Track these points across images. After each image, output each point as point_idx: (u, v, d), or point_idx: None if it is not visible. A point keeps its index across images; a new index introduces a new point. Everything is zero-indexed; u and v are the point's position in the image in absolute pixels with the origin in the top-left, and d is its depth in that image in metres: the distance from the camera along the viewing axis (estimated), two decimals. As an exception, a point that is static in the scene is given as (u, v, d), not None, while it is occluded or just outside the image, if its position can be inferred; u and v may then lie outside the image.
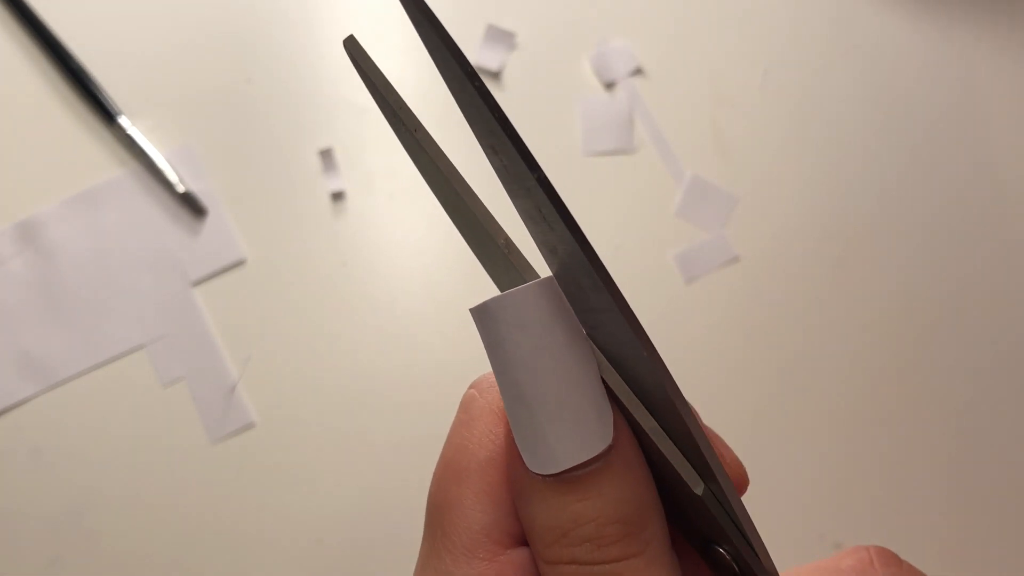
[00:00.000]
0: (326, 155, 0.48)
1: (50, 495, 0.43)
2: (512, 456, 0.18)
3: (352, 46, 0.18)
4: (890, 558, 0.23)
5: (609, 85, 0.50)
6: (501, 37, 0.50)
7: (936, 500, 0.43)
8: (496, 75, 0.50)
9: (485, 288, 0.48)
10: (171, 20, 0.51)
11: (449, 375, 0.44)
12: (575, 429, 0.17)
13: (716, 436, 0.20)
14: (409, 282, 0.46)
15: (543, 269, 0.18)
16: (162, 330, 0.45)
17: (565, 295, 0.17)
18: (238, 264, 0.46)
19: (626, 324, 0.16)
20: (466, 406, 0.20)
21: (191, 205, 0.47)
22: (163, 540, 0.42)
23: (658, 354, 0.16)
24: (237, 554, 0.42)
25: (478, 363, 0.45)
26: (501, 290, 0.17)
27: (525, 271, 0.18)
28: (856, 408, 0.44)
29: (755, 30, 0.51)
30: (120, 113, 0.48)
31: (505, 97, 0.50)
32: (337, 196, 0.47)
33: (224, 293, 0.46)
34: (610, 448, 0.17)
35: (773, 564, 0.18)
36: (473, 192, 0.18)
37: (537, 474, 0.17)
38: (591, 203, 0.48)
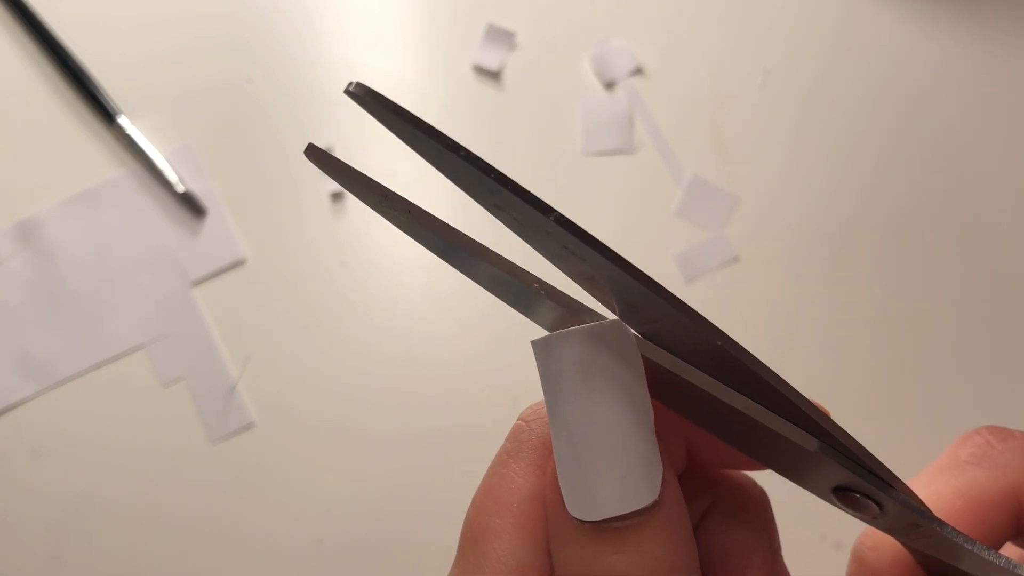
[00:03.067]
0: (326, 155, 0.48)
1: (50, 495, 0.43)
2: (553, 496, 0.17)
3: (314, 153, 0.18)
4: (1003, 432, 0.22)
5: (609, 85, 0.50)
6: (501, 37, 0.50)
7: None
8: (496, 75, 0.50)
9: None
10: (171, 20, 0.51)
11: (449, 375, 0.44)
12: (622, 479, 0.16)
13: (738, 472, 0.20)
14: (409, 282, 0.46)
15: (584, 299, 0.18)
16: (162, 330, 0.45)
17: (624, 308, 0.17)
18: (238, 264, 0.46)
19: (687, 319, 0.16)
20: (514, 436, 0.19)
21: (191, 205, 0.47)
22: (163, 540, 0.42)
23: (729, 336, 0.16)
24: (237, 554, 0.42)
25: (478, 363, 0.45)
26: (550, 332, 0.17)
27: (575, 309, 0.18)
28: (856, 408, 0.44)
29: (755, 30, 0.51)
30: (119, 113, 0.48)
31: (505, 97, 0.50)
32: (337, 196, 0.47)
33: (224, 293, 0.46)
34: (655, 504, 0.16)
35: (907, 486, 0.18)
36: (486, 248, 0.18)
37: (576, 519, 0.16)
38: (591, 203, 0.48)
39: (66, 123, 0.49)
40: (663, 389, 0.18)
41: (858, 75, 0.50)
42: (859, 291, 0.46)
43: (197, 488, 0.43)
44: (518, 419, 0.19)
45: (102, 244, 0.46)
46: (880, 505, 0.18)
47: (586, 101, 0.49)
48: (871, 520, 0.19)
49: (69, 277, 0.46)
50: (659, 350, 0.17)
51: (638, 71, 0.50)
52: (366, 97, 0.15)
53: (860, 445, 0.17)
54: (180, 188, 0.47)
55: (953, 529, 0.18)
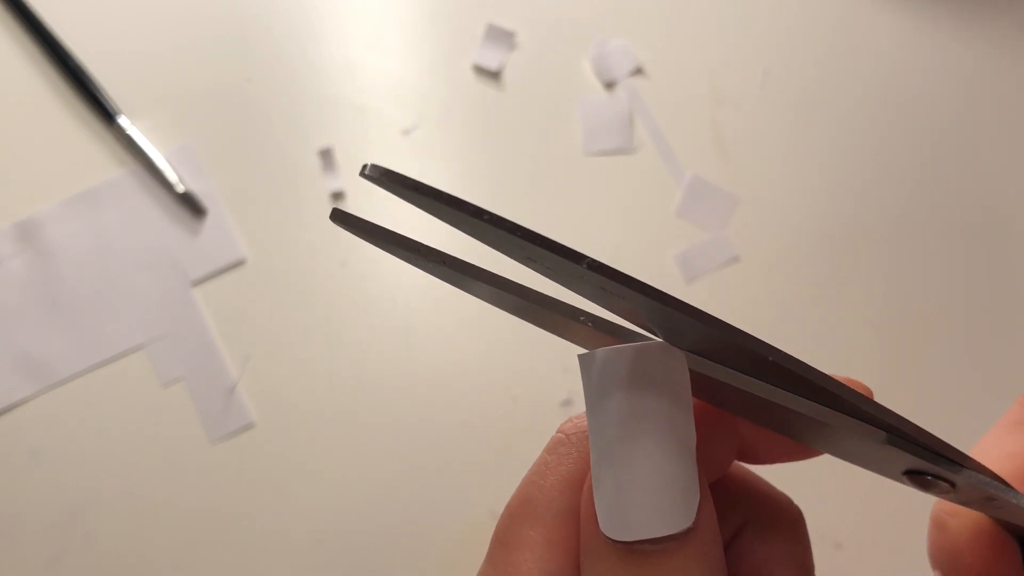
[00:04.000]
0: (326, 155, 0.48)
1: (49, 496, 0.43)
2: (587, 511, 0.17)
3: (341, 217, 0.18)
4: None
5: (609, 85, 0.50)
6: (501, 37, 0.50)
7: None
8: (496, 75, 0.50)
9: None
10: (171, 20, 0.51)
11: (449, 375, 0.44)
12: (658, 502, 0.16)
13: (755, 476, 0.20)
14: (409, 282, 0.46)
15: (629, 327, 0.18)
16: (162, 330, 0.45)
17: (672, 335, 0.17)
18: (238, 264, 0.46)
19: (738, 340, 0.16)
20: (553, 448, 0.19)
21: (191, 205, 0.47)
22: (163, 540, 0.42)
23: (782, 351, 0.16)
24: (237, 554, 0.42)
25: (478, 363, 0.45)
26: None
27: (623, 336, 0.18)
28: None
29: (755, 30, 0.51)
30: (120, 113, 0.48)
31: (505, 97, 0.50)
32: (337, 196, 0.47)
33: (224, 293, 0.46)
34: (690, 530, 0.16)
35: (978, 463, 0.18)
36: (528, 289, 0.18)
37: (609, 537, 0.16)
38: (591, 203, 0.48)
39: (66, 123, 0.49)
40: (721, 398, 0.18)
41: (858, 75, 0.50)
42: (859, 291, 0.46)
43: (197, 488, 0.43)
44: (558, 430, 0.19)
45: (102, 244, 0.46)
46: (952, 484, 0.18)
47: (586, 101, 0.49)
48: (944, 496, 0.19)
49: (69, 277, 0.46)
50: (714, 365, 0.17)
51: (638, 71, 0.50)
52: (382, 178, 0.15)
53: (925, 431, 0.18)
54: (180, 188, 0.47)
55: None
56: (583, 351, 0.17)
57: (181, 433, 0.43)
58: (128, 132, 0.47)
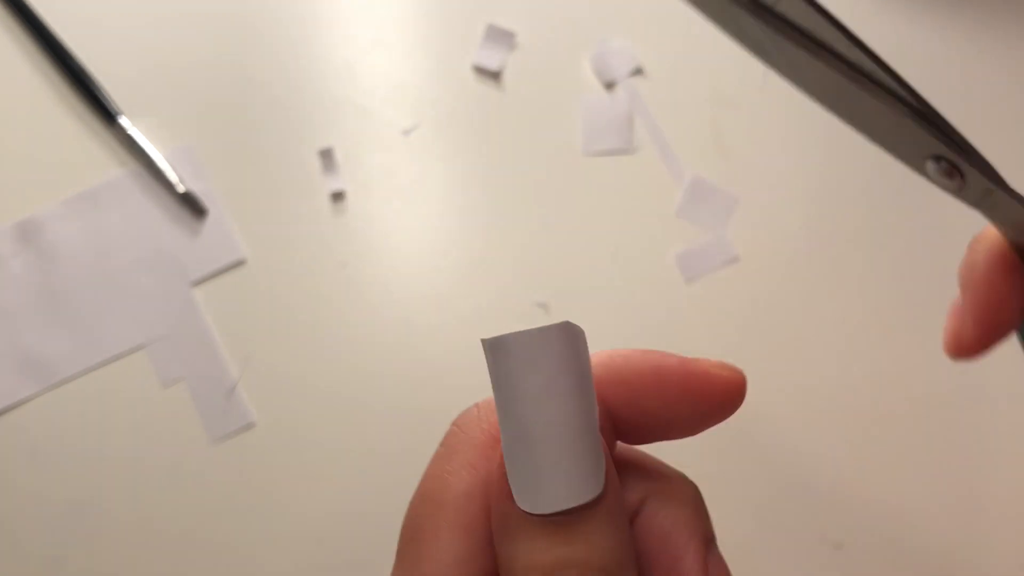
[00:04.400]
0: (326, 155, 0.48)
1: (49, 495, 0.43)
2: (500, 492, 0.18)
3: None
4: None
5: (609, 85, 0.50)
6: (501, 37, 0.50)
7: (937, 500, 0.43)
8: (496, 75, 0.50)
9: (485, 286, 0.48)
10: (172, 20, 0.51)
11: (449, 375, 0.44)
12: (571, 474, 0.17)
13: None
14: (409, 282, 0.46)
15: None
16: (162, 330, 0.45)
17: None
18: (238, 264, 0.46)
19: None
20: (447, 441, 0.20)
21: (191, 205, 0.47)
22: (163, 540, 0.42)
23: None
24: (237, 554, 0.42)
25: (478, 363, 0.45)
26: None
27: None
28: (856, 407, 0.44)
29: (755, 30, 0.51)
30: (120, 113, 0.48)
31: (505, 97, 0.50)
32: (337, 196, 0.47)
33: (224, 293, 0.46)
34: (599, 497, 0.17)
35: (983, 157, 0.21)
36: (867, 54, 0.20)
37: (526, 512, 0.17)
38: (591, 203, 0.48)
39: (67, 123, 0.49)
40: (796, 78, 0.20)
41: (858, 75, 0.50)
42: (859, 291, 0.46)
43: (197, 488, 0.43)
44: (452, 425, 0.20)
45: (103, 244, 0.46)
46: (963, 175, 0.21)
47: (586, 101, 0.49)
48: (957, 192, 0.21)
49: (69, 277, 0.46)
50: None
51: (638, 71, 0.50)
52: None
53: (950, 125, 0.20)
54: (181, 188, 0.47)
55: (1016, 193, 0.21)
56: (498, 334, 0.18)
57: (181, 433, 0.44)
58: (129, 132, 0.48)
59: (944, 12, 0.52)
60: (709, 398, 0.20)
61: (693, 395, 0.20)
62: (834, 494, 0.43)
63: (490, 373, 0.18)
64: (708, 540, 0.20)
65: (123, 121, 0.48)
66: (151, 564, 0.42)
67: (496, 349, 0.18)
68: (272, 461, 0.43)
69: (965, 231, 0.48)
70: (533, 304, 0.45)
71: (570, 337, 0.17)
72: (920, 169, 0.21)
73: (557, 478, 0.17)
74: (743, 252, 0.47)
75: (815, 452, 0.44)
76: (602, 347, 0.44)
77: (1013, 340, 0.26)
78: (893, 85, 0.19)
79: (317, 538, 0.42)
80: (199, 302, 0.46)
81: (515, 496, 0.17)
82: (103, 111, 0.48)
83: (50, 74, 0.49)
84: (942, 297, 0.47)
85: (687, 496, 0.20)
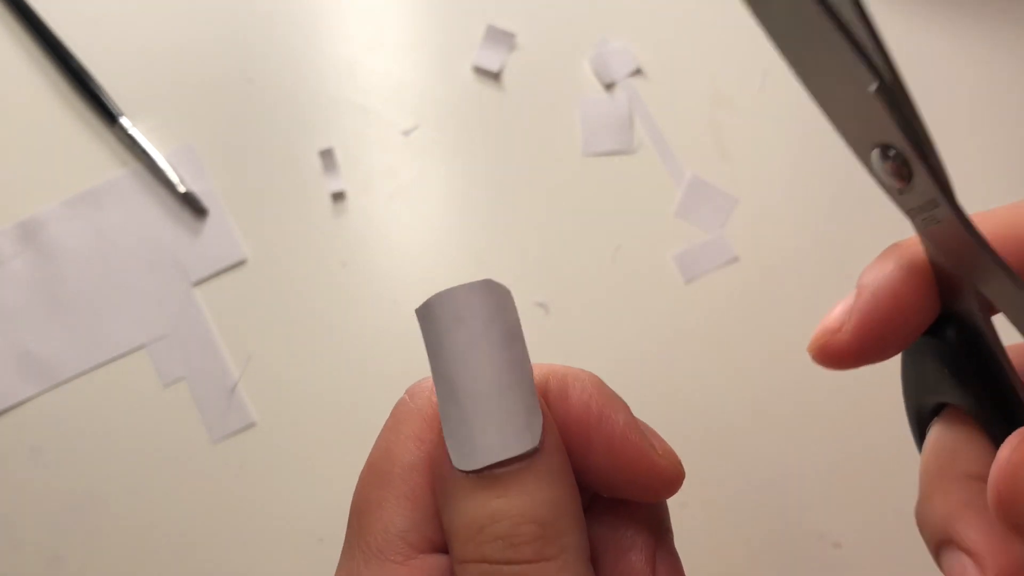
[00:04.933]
0: (326, 155, 0.48)
1: (50, 495, 0.43)
2: (439, 455, 0.18)
3: None
4: None
5: (609, 85, 0.50)
6: (501, 37, 0.50)
7: (935, 500, 0.43)
8: (496, 75, 0.50)
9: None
10: (172, 20, 0.51)
11: (449, 375, 0.44)
12: (502, 426, 0.17)
13: (649, 429, 0.20)
14: (409, 282, 0.46)
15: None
16: (162, 330, 0.45)
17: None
18: (239, 264, 0.46)
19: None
20: (395, 412, 0.20)
21: (192, 205, 0.47)
22: (163, 540, 0.42)
23: None
24: (238, 553, 0.42)
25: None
26: None
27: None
28: (856, 407, 0.44)
29: (755, 30, 0.51)
30: (121, 113, 0.48)
31: (505, 98, 0.50)
32: (337, 196, 0.47)
33: (224, 293, 0.46)
34: (536, 450, 0.17)
35: (939, 158, 0.18)
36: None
37: (461, 471, 0.17)
38: (591, 203, 0.48)
39: (68, 123, 0.49)
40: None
41: (857, 76, 0.50)
42: (858, 291, 0.46)
43: (198, 487, 0.43)
44: (404, 394, 0.20)
45: (103, 244, 0.47)
46: (911, 174, 0.19)
47: (586, 101, 0.49)
48: (898, 193, 0.19)
49: (70, 277, 0.46)
50: None
51: (638, 71, 0.50)
52: None
53: (913, 107, 0.17)
54: (181, 188, 0.47)
55: (971, 225, 0.18)
56: None
57: (182, 433, 0.44)
58: (130, 132, 0.48)
59: (945, 13, 0.52)
60: (643, 479, 0.19)
61: (630, 471, 0.19)
62: (833, 494, 0.43)
63: (424, 340, 0.18)
64: (662, 532, 0.20)
65: (124, 121, 0.48)
66: (151, 563, 0.42)
67: (424, 313, 0.18)
68: (272, 461, 0.43)
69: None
70: (533, 304, 0.45)
71: (493, 293, 0.18)
72: (865, 159, 0.19)
73: (488, 432, 0.17)
74: (742, 252, 0.47)
75: (814, 452, 0.44)
76: (601, 347, 0.44)
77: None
78: (862, 36, 0.17)
79: (317, 538, 0.42)
80: (200, 302, 0.46)
81: (451, 456, 0.17)
82: (104, 111, 0.48)
83: (51, 74, 0.49)
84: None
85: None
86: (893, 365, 0.46)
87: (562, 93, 0.50)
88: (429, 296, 0.18)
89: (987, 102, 0.50)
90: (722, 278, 0.46)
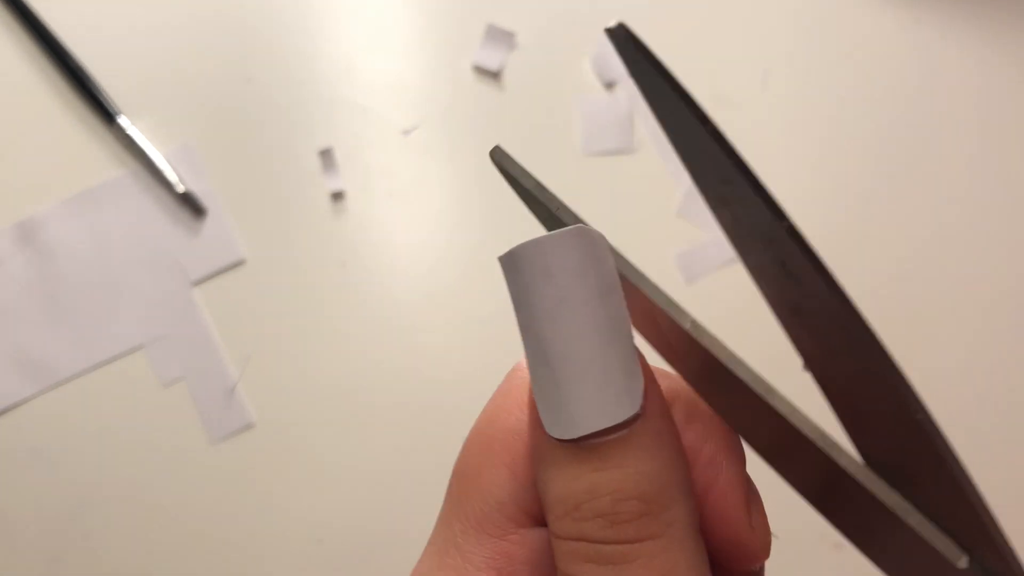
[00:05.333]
0: (326, 155, 0.48)
1: (50, 495, 0.43)
2: (533, 419, 0.16)
3: (499, 156, 0.17)
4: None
5: (609, 85, 0.50)
6: (501, 37, 0.50)
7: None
8: (496, 75, 0.50)
9: (485, 286, 0.48)
10: (171, 20, 0.51)
11: (449, 375, 0.44)
12: (599, 392, 0.15)
13: (755, 495, 0.18)
14: (409, 282, 0.46)
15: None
16: (162, 330, 0.45)
17: (824, 353, 0.15)
18: (238, 264, 0.46)
19: (898, 379, 0.13)
20: (508, 377, 0.19)
21: (191, 205, 0.47)
22: (163, 540, 0.42)
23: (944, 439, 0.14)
24: (237, 554, 0.42)
25: (478, 363, 0.45)
26: None
27: (718, 349, 0.16)
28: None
29: (755, 30, 0.51)
30: (120, 113, 0.48)
31: (505, 97, 0.50)
32: (337, 196, 0.47)
33: (224, 293, 0.46)
34: (637, 416, 0.15)
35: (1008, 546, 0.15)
36: (651, 281, 0.16)
37: (555, 439, 0.15)
38: (591, 203, 0.48)
39: (66, 123, 0.49)
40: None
41: (858, 76, 0.50)
42: (859, 291, 0.46)
43: (197, 488, 0.43)
44: (517, 363, 0.19)
45: (102, 244, 0.46)
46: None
47: (586, 101, 0.49)
48: None
49: (69, 277, 0.46)
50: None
51: (638, 71, 0.50)
52: (625, 41, 0.14)
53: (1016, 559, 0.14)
54: (180, 188, 0.47)
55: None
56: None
57: (181, 433, 0.43)
58: (128, 132, 0.47)
59: (945, 13, 0.52)
60: (725, 543, 0.18)
61: (715, 528, 0.18)
62: (834, 494, 0.43)
63: (509, 293, 0.16)
64: (741, 458, 0.19)
65: (122, 121, 0.48)
66: (151, 564, 0.42)
67: (509, 264, 0.16)
68: (272, 461, 0.43)
69: (965, 231, 0.48)
70: (533, 304, 0.45)
71: (586, 242, 0.15)
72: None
73: (583, 398, 0.15)
74: (743, 252, 0.47)
75: (815, 452, 0.44)
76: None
77: None
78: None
79: (317, 538, 0.42)
80: (199, 302, 0.46)
81: (544, 422, 0.16)
82: (102, 111, 0.48)
83: (50, 74, 0.49)
84: (941, 296, 0.47)
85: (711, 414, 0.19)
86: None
87: (562, 92, 0.50)
88: (515, 246, 0.15)
89: (987, 101, 0.50)
90: (723, 278, 0.46)
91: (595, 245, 0.15)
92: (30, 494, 0.43)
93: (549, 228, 0.16)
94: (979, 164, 0.49)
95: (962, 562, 0.14)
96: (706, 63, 0.50)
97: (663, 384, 0.17)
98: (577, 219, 0.16)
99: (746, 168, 0.14)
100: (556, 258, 0.15)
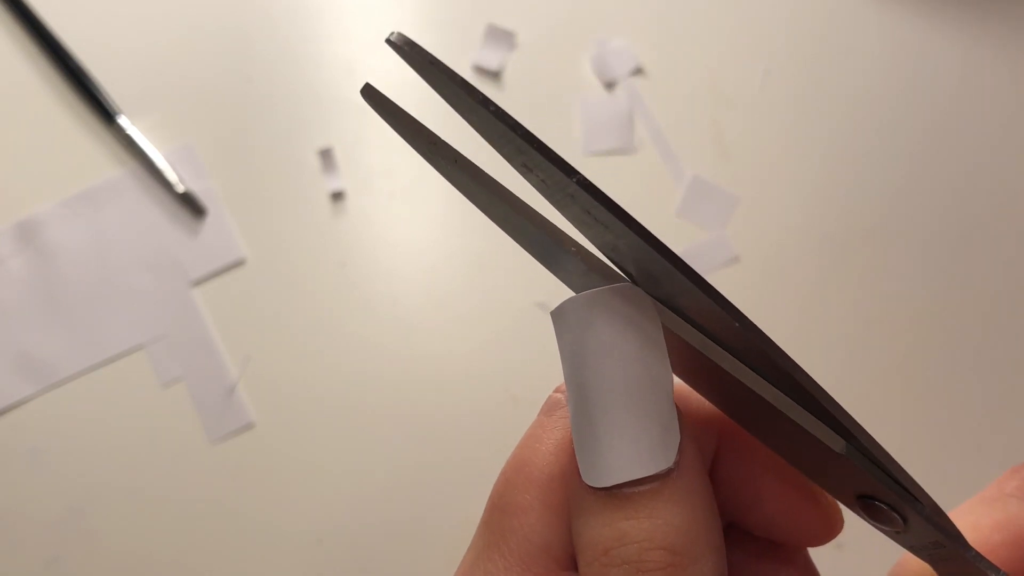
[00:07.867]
0: (326, 155, 0.48)
1: (50, 495, 0.43)
2: (570, 464, 0.17)
3: (370, 93, 0.18)
4: None
5: (609, 85, 0.50)
6: (501, 37, 0.50)
7: (936, 499, 0.43)
8: (496, 75, 0.50)
9: (485, 286, 0.48)
10: (171, 20, 0.51)
11: (448, 375, 0.44)
12: (634, 443, 0.16)
13: (807, 486, 0.20)
14: (409, 282, 0.46)
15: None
16: (162, 330, 0.45)
17: (645, 280, 0.17)
18: (238, 264, 0.46)
19: (709, 300, 0.16)
20: (549, 410, 0.19)
21: (191, 205, 0.47)
22: (163, 540, 0.42)
23: (751, 321, 0.16)
24: (237, 554, 0.42)
25: (478, 363, 0.45)
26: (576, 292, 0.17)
27: (608, 275, 0.17)
28: (855, 408, 0.44)
29: (755, 30, 0.51)
30: (119, 113, 0.48)
31: (505, 97, 0.49)
32: (337, 196, 0.47)
33: (224, 293, 0.46)
34: (671, 470, 0.16)
35: (936, 504, 0.17)
36: (530, 207, 0.18)
37: (591, 487, 0.16)
38: (591, 203, 0.48)
39: (66, 123, 0.49)
40: (686, 368, 0.18)
41: (858, 75, 0.50)
42: (859, 291, 0.46)
43: (197, 487, 0.43)
44: (555, 390, 0.19)
45: (102, 244, 0.46)
46: (904, 519, 0.17)
47: (586, 101, 0.49)
48: (894, 534, 0.18)
49: (69, 277, 0.46)
50: (688, 327, 0.17)
51: (638, 71, 0.50)
52: (405, 47, 0.16)
53: (887, 453, 0.17)
54: (180, 188, 0.47)
55: (978, 554, 0.17)
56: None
57: (181, 433, 0.43)
58: (128, 132, 0.47)
59: (944, 13, 0.52)
60: (809, 522, 0.19)
61: (799, 510, 0.19)
62: (834, 494, 0.43)
63: (558, 345, 0.17)
64: (787, 484, 0.20)
65: (122, 121, 0.48)
66: (150, 564, 0.42)
67: (557, 317, 0.17)
68: (271, 462, 0.43)
69: (964, 232, 0.48)
70: (533, 304, 0.45)
71: (631, 300, 0.16)
72: (850, 506, 0.18)
73: (618, 448, 0.16)
74: (743, 252, 0.47)
75: (815, 452, 0.44)
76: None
77: None
78: (819, 399, 0.16)
79: (317, 538, 0.42)
80: (198, 302, 0.46)
81: (581, 469, 0.16)
82: (102, 111, 0.48)
83: (49, 74, 0.49)
84: (942, 295, 0.47)
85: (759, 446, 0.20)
86: (887, 364, 0.46)
87: (562, 92, 0.50)
88: (565, 300, 0.17)
89: (987, 101, 0.50)
90: (723, 278, 0.46)
91: (640, 304, 0.16)
92: (30, 494, 0.43)
93: (429, 161, 0.18)
94: (979, 160, 0.49)
95: (839, 447, 0.17)
96: (706, 62, 0.50)
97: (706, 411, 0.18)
98: (457, 152, 0.18)
99: (531, 136, 0.16)
100: (602, 313, 0.16)
